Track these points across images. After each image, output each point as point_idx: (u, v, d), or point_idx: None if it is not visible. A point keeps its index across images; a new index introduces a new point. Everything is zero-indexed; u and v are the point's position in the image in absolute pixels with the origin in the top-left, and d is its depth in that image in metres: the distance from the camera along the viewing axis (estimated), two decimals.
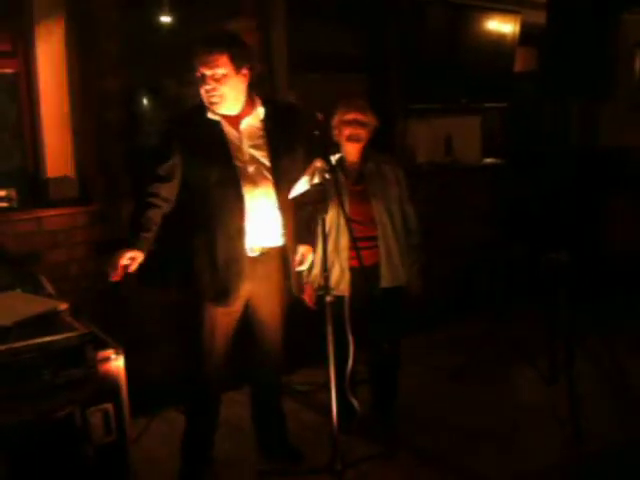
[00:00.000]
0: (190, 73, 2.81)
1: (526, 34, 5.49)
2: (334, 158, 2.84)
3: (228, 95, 2.74)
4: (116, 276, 2.64)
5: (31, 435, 2.15)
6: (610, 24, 3.39)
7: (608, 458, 3.13)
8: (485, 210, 5.30)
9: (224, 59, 2.68)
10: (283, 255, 2.92)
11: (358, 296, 3.16)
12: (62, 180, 3.62)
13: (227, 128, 2.80)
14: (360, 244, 3.02)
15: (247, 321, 3.00)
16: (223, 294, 2.82)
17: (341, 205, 2.78)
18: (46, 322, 2.35)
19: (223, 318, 2.89)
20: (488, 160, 5.75)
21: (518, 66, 5.69)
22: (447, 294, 4.83)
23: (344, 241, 3.13)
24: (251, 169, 2.80)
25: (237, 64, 2.71)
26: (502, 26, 5.39)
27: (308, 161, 2.89)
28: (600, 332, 3.79)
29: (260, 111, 2.85)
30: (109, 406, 2.29)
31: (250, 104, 2.84)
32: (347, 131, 3.17)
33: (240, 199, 2.76)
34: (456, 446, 3.26)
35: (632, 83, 5.59)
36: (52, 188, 3.61)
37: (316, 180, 2.77)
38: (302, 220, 3.00)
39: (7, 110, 3.73)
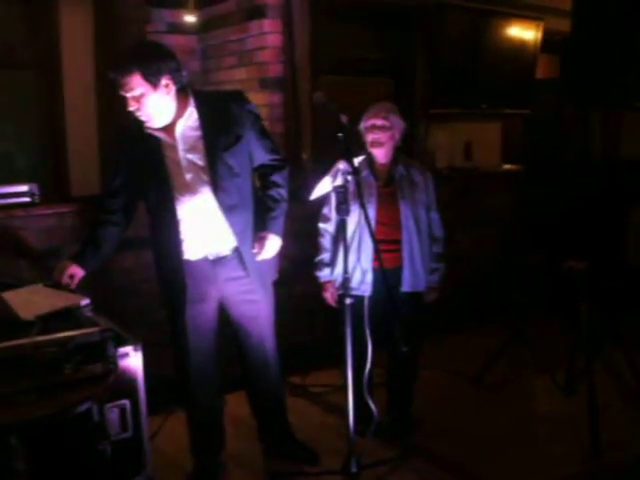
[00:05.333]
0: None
1: (548, 41, 5.48)
2: (357, 160, 2.83)
3: (153, 112, 2.60)
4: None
5: (50, 429, 2.16)
6: (638, 31, 3.36)
7: (627, 470, 3.10)
8: (504, 216, 5.28)
9: (136, 79, 2.51)
10: (240, 255, 2.82)
11: (378, 298, 3.15)
12: (84, 176, 3.64)
13: (163, 139, 2.69)
14: (384, 247, 3.04)
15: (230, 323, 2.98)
16: (177, 302, 2.82)
17: (363, 207, 2.77)
18: (68, 317, 2.38)
19: (194, 322, 2.85)
20: (507, 166, 5.74)
21: (540, 73, 5.68)
22: (465, 300, 4.80)
23: (367, 242, 3.12)
24: (189, 177, 2.69)
25: (152, 80, 2.53)
26: (524, 33, 5.39)
27: (263, 139, 2.85)
28: (619, 343, 3.75)
29: (193, 110, 2.70)
30: (126, 402, 2.32)
31: (183, 105, 2.68)
32: (369, 137, 3.18)
33: (173, 214, 2.70)
34: (473, 454, 3.23)
35: None
36: (74, 184, 3.63)
37: (338, 182, 2.77)
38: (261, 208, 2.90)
39: (31, 106, 3.77)
